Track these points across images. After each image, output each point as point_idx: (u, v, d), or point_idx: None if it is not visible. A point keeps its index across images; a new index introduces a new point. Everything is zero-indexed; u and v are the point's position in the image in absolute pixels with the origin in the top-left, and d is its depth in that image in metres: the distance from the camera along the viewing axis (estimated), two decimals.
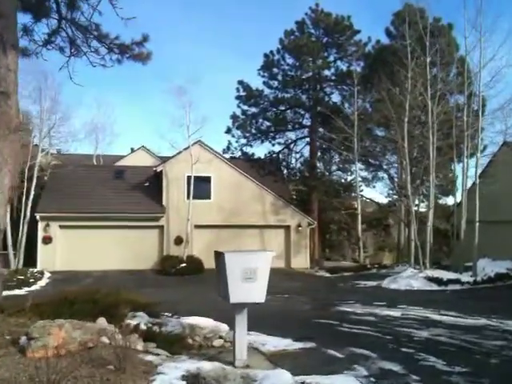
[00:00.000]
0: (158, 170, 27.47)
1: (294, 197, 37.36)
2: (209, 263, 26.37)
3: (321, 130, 33.97)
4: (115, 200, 27.19)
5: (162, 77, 64.24)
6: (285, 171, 36.70)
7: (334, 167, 39.29)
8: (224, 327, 9.12)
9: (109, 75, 77.91)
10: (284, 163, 37.07)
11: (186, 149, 26.86)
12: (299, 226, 28.80)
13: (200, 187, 27.01)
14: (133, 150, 40.61)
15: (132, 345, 6.40)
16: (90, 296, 7.88)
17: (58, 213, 25.93)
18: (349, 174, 36.83)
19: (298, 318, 11.87)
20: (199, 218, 26.93)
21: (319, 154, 38.59)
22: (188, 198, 26.48)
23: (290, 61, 33.51)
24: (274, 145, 35.27)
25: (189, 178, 26.52)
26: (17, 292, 20.09)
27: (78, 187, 27.75)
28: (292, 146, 35.69)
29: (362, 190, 40.38)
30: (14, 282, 21.25)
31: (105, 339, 6.39)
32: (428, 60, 21.27)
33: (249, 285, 6.80)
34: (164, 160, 29.05)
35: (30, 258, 26.05)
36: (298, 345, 8.50)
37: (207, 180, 27.57)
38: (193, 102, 26.80)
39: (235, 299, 6.79)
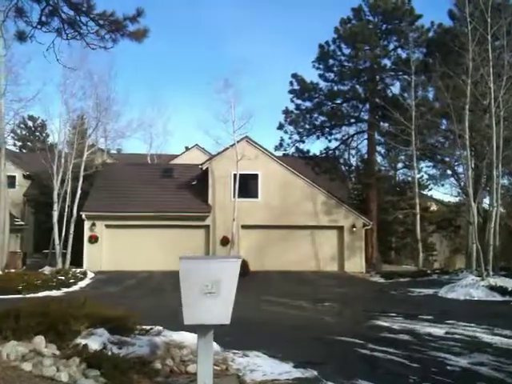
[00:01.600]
0: (204, 167, 26.51)
1: (353, 196, 35.34)
2: (256, 265, 25.14)
3: (383, 123, 31.75)
4: (162, 199, 26.53)
5: (217, 74, 63.64)
6: (343, 168, 34.72)
7: (400, 165, 36.95)
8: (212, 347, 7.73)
9: (167, 73, 78.82)
10: (342, 160, 35.13)
11: (232, 145, 25.77)
12: (353, 226, 26.85)
13: (247, 185, 25.85)
14: (187, 149, 40.14)
15: (57, 374, 5.16)
16: (43, 308, 6.72)
17: (104, 212, 25.61)
18: (416, 171, 34.34)
19: (319, 334, 10.25)
20: (246, 217, 25.73)
21: (383, 150, 36.38)
22: (234, 196, 25.36)
23: (346, 51, 31.57)
24: (330, 141, 33.39)
25: (235, 175, 25.38)
26: (54, 293, 19.70)
27: (126, 186, 27.39)
28: (349, 141, 33.68)
29: (430, 189, 37.76)
30: (53, 283, 20.96)
31: (26, 366, 5.20)
32: (490, 39, 18.79)
33: (209, 301, 5.35)
34: (211, 157, 28.08)
35: (78, 258, 25.91)
36: (296, 373, 6.94)
37: (254, 178, 26.30)
38: (239, 96, 25.70)
39: (190, 319, 5.38)
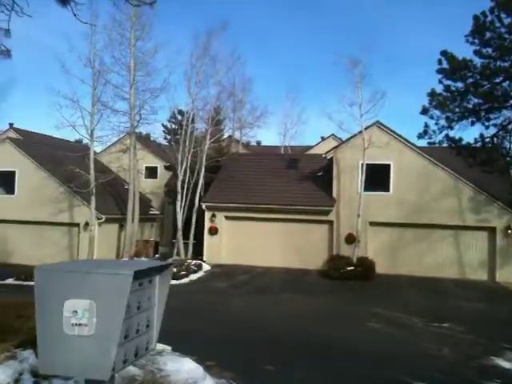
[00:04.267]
0: (328, 156, 23.95)
1: None
2: (384, 267, 22.03)
3: None
4: (284, 191, 24.65)
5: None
6: (503, 159, 29.36)
7: None
8: None
9: (308, 62, 76.01)
10: (503, 150, 29.76)
11: (360, 132, 22.86)
12: (509, 228, 22.14)
13: (377, 177, 22.65)
14: (323, 139, 37.72)
15: None
16: None
17: (223, 203, 24.54)
18: None
19: (395, 372, 7.42)
20: (375, 213, 22.64)
21: None
22: (360, 189, 22.46)
23: (506, 21, 26.32)
24: (487, 127, 28.27)
25: (362, 165, 22.42)
26: None
27: (248, 177, 26.08)
28: (510, 127, 28.28)
29: None
30: None
31: None
32: None
33: (79, 338, 3.23)
34: (336, 146, 25.36)
35: (200, 249, 25.30)
36: None
37: (385, 168, 23.00)
38: (367, 76, 22.67)
39: (47, 366, 3.30)
